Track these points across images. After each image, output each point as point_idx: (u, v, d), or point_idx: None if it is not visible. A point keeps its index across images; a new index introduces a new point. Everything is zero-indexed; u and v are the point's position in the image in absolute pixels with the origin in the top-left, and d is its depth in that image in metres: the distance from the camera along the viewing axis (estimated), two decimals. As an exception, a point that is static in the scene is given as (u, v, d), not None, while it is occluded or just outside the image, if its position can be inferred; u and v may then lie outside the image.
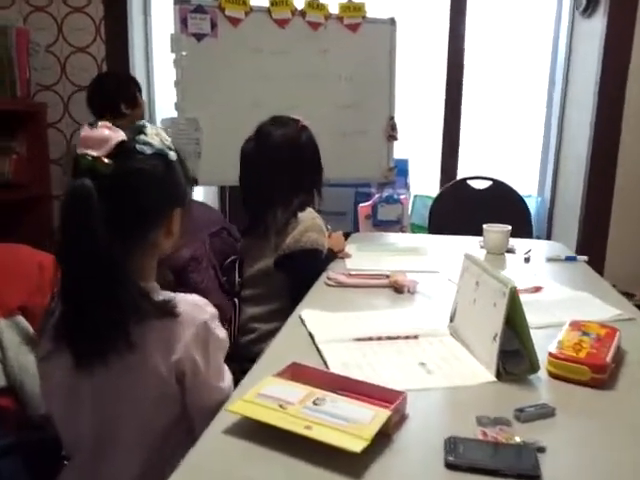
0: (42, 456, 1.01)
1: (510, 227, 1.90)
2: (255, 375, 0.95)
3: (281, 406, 0.79)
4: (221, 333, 0.95)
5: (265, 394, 0.82)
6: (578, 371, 0.96)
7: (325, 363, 1.01)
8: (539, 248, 2.01)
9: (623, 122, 2.68)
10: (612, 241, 2.76)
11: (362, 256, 1.81)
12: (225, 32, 2.71)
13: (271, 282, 1.63)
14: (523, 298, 1.36)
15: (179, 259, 1.57)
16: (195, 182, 2.69)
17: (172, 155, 0.91)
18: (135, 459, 0.88)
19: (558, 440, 0.81)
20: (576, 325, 1.11)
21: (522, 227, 2.57)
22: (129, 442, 0.88)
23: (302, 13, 2.75)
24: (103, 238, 0.82)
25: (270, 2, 2.71)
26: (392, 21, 2.89)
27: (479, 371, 1.00)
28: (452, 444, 0.76)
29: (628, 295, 2.16)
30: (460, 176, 3.04)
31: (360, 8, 2.81)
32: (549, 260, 1.84)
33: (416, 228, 3.32)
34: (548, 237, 3.10)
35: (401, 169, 3.28)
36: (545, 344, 1.02)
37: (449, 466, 0.73)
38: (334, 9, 2.78)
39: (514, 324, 0.99)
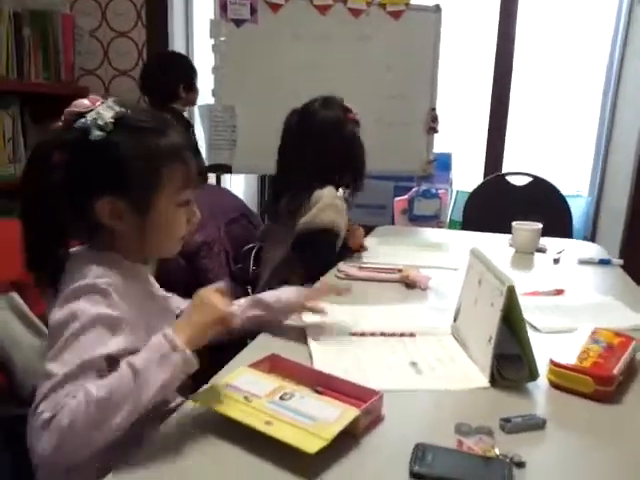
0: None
1: (541, 225, 1.80)
2: (232, 366, 0.92)
3: (246, 398, 0.76)
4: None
5: (234, 385, 0.80)
6: (581, 382, 0.88)
7: (310, 356, 0.98)
8: (574, 249, 1.90)
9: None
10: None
11: (380, 250, 1.76)
12: (265, 18, 2.69)
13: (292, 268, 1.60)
14: (541, 301, 1.32)
15: (191, 244, 1.56)
16: (228, 170, 2.69)
17: (95, 134, 0.82)
18: None
19: (543, 456, 0.75)
20: (588, 332, 1.03)
21: (562, 226, 2.45)
22: None
23: (343, -1, 2.70)
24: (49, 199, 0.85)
25: (311, -13, 2.67)
26: (437, 8, 2.79)
27: (474, 375, 0.94)
28: (421, 452, 0.71)
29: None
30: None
31: (404, -6, 2.72)
32: (581, 262, 1.73)
33: (455, 224, 3.21)
34: (592, 239, 2.93)
35: (443, 163, 3.18)
36: (551, 350, 0.95)
37: (414, 475, 0.68)
38: (377, -4, 2.71)
39: (514, 326, 0.92)
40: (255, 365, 0.86)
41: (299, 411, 0.74)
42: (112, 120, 0.83)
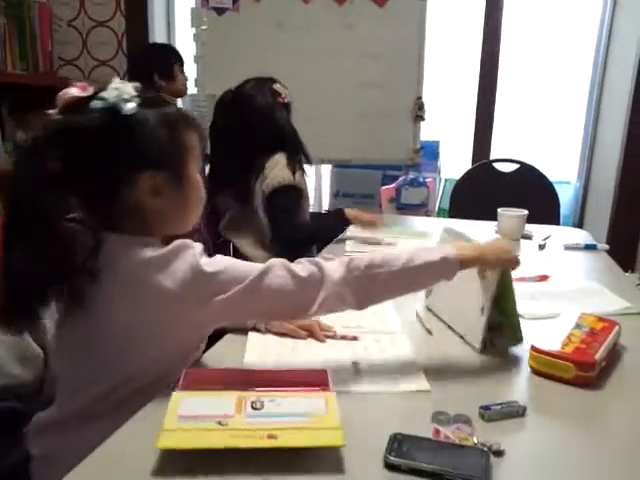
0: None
1: (526, 212, 1.78)
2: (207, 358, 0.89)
3: (220, 423, 0.68)
4: None
5: (187, 415, 0.69)
6: (562, 368, 0.86)
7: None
8: (560, 235, 1.88)
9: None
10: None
11: (360, 238, 1.73)
12: (247, 6, 2.65)
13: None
14: (526, 287, 1.30)
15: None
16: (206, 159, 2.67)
17: (127, 108, 0.80)
18: None
19: (522, 443, 0.73)
20: (572, 317, 1.01)
21: (550, 213, 2.43)
22: None
23: (327, -14, 2.66)
24: (45, 201, 0.78)
25: (294, -26, 2.63)
26: (422, -5, 2.75)
27: (414, 378, 0.88)
28: (397, 442, 0.68)
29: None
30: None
31: (388, -20, 2.68)
32: (567, 248, 1.71)
33: (443, 213, 3.19)
34: (580, 226, 2.93)
35: (431, 151, 3.15)
36: (534, 337, 0.93)
37: (388, 466, 0.65)
38: (361, -18, 2.67)
39: (500, 297, 0.95)
40: (183, 388, 0.76)
41: (286, 414, 0.70)
42: (135, 94, 0.82)
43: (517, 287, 1.26)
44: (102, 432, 0.70)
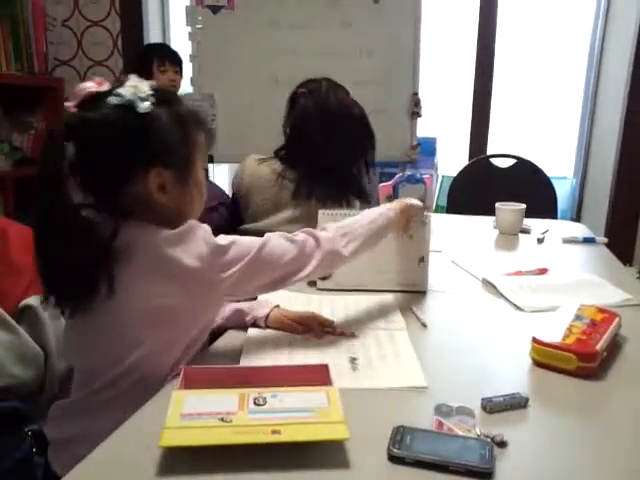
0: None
1: (524, 206, 1.78)
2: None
3: (223, 419, 0.67)
4: None
5: (190, 413, 0.68)
6: (564, 359, 0.86)
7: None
8: (559, 229, 1.88)
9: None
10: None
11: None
12: (242, 4, 2.63)
13: None
14: (524, 280, 1.30)
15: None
16: (210, 159, 2.65)
17: (143, 107, 0.83)
18: None
19: (525, 434, 0.73)
20: (572, 309, 1.01)
21: (547, 208, 2.43)
22: None
23: (322, -17, 2.65)
24: (65, 187, 0.81)
25: (289, -28, 2.62)
26: (417, -9, 2.74)
27: (415, 374, 0.87)
28: (400, 434, 0.68)
29: (657, 282, 2.01)
30: (490, 156, 2.89)
31: (383, -24, 2.68)
32: (565, 241, 1.71)
33: (441, 209, 3.19)
34: (578, 220, 2.93)
35: (428, 148, 3.15)
36: (534, 329, 0.93)
37: (392, 459, 0.65)
38: (356, -22, 2.66)
39: None
40: (183, 386, 0.76)
41: (288, 409, 0.69)
42: (151, 92, 0.85)
43: (517, 281, 1.28)
44: (116, 417, 0.72)
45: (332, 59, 2.70)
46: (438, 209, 3.14)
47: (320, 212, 1.25)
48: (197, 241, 0.84)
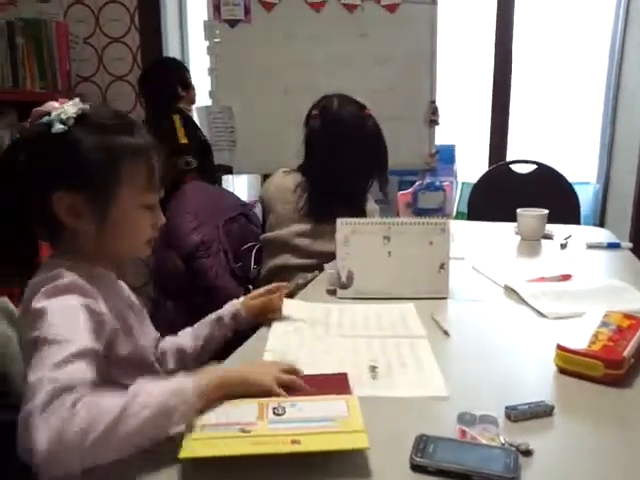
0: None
1: (546, 211, 1.76)
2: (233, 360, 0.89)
3: (243, 430, 0.67)
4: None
5: (208, 424, 0.68)
6: (590, 366, 0.85)
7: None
8: (582, 234, 1.85)
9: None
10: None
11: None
12: (259, 17, 2.66)
13: None
14: (547, 286, 1.28)
15: (188, 244, 1.54)
16: (229, 171, 2.68)
17: (56, 128, 0.82)
18: None
19: (551, 443, 0.71)
20: (598, 316, 0.99)
21: (570, 213, 2.40)
22: None
23: (337, -5, 2.67)
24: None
25: (304, -16, 2.64)
26: (433, 0, 2.75)
27: (436, 383, 0.86)
28: (422, 443, 0.67)
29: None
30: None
31: (399, -13, 2.69)
32: (590, 247, 1.68)
33: (462, 216, 3.17)
34: (601, 225, 2.88)
35: (447, 155, 3.14)
36: (559, 336, 0.91)
37: (415, 467, 0.64)
38: (372, -11, 2.67)
39: None
40: None
41: (309, 419, 0.69)
42: (74, 115, 0.84)
43: (539, 287, 1.27)
44: None
45: (349, 69, 2.72)
46: (459, 216, 3.12)
47: (338, 221, 1.25)
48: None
